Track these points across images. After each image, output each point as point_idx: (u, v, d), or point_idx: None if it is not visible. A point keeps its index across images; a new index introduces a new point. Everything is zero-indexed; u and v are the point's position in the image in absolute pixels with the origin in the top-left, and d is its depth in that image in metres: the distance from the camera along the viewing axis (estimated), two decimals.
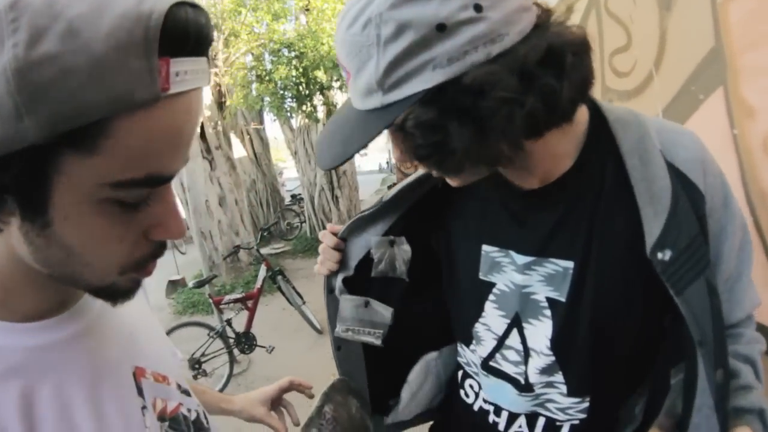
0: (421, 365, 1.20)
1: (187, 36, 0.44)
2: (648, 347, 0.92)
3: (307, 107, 8.48)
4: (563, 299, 0.86)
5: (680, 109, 1.40)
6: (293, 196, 14.23)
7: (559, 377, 0.91)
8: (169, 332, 4.55)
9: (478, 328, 1.00)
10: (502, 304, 0.95)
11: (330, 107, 8.84)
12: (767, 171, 1.13)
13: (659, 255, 0.74)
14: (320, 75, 7.91)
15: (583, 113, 0.83)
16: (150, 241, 0.54)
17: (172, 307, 7.81)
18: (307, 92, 8.28)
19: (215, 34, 8.37)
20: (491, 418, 1.03)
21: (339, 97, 9.30)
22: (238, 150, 9.97)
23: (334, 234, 1.10)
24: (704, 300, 0.76)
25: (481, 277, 0.97)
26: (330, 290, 1.14)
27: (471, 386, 1.11)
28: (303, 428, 1.05)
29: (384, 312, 1.12)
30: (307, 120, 9.11)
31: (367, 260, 1.09)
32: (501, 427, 1.01)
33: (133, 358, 0.68)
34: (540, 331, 0.90)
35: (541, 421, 0.96)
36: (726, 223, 0.82)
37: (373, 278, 1.10)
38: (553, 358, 0.90)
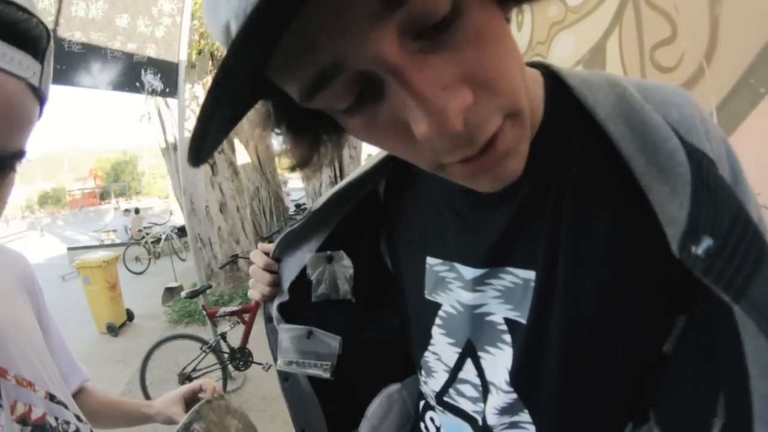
0: (381, 398, 1.01)
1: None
2: (646, 387, 0.65)
3: None
4: (524, 321, 0.65)
5: (738, 104, 1.30)
6: (297, 206, 14.23)
7: (524, 416, 0.70)
8: (158, 345, 4.42)
9: (428, 357, 0.81)
10: (450, 330, 0.76)
11: None
12: None
13: (694, 249, 0.48)
14: None
15: (533, 79, 0.62)
16: None
17: (167, 315, 7.76)
18: None
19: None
20: None
21: None
22: (243, 156, 9.85)
23: (266, 253, 0.97)
24: None
25: (427, 296, 0.78)
26: (268, 318, 1.00)
27: (432, 419, 0.91)
28: None
29: (331, 342, 0.95)
30: None
31: (304, 282, 0.93)
32: None
33: None
34: (500, 362, 0.70)
35: None
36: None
37: (314, 303, 0.94)
38: (514, 395, 0.68)
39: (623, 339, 0.60)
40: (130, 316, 7.57)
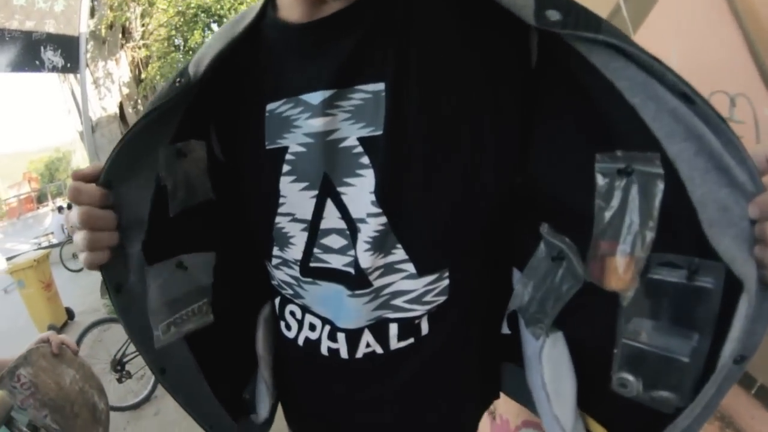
0: (261, 329, 0.94)
1: None
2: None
3: None
4: (381, 131, 0.65)
5: None
6: None
7: (399, 253, 0.70)
8: (85, 331, 4.26)
9: (281, 222, 0.74)
10: (301, 173, 0.71)
11: None
12: None
13: (548, 16, 0.56)
14: None
15: None
16: None
17: (107, 307, 7.37)
18: None
19: (131, 4, 8.08)
20: (325, 346, 0.80)
21: None
22: None
23: (92, 181, 0.66)
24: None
25: (268, 147, 0.72)
26: (117, 287, 0.70)
27: (292, 313, 0.86)
28: None
29: (204, 263, 0.82)
30: None
31: (159, 199, 0.72)
32: (344, 353, 0.78)
33: None
34: (363, 190, 0.67)
35: (393, 329, 0.76)
36: None
37: (174, 221, 0.75)
38: (383, 219, 0.66)
39: (481, 149, 0.65)
40: (70, 315, 7.22)
